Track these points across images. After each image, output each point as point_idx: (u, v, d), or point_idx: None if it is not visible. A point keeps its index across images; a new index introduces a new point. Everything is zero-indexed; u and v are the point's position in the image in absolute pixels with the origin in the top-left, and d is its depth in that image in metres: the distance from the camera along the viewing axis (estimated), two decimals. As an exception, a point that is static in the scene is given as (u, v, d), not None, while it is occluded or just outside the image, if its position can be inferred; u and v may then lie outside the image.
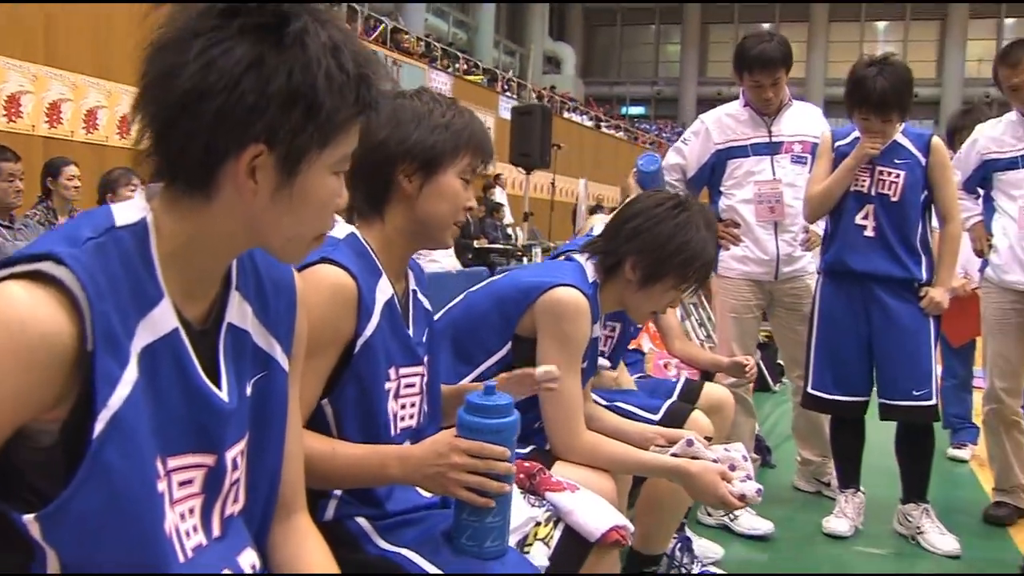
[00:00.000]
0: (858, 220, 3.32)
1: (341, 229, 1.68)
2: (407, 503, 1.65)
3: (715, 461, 2.18)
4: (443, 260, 6.75)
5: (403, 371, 1.67)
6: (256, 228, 1.07)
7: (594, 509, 1.82)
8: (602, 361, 2.77)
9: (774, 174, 3.80)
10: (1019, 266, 3.58)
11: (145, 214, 1.04)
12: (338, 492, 1.60)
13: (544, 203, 12.96)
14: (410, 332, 1.71)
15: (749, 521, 3.49)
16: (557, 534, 1.82)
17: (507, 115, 18.71)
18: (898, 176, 3.28)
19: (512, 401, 1.47)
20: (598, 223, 2.90)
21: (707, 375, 3.73)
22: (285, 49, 0.99)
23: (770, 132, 3.83)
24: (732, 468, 2.19)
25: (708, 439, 2.29)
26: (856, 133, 3.39)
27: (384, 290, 1.64)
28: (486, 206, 12.12)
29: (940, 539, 3.39)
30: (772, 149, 3.82)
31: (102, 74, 9.42)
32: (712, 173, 3.93)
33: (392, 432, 1.66)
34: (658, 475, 2.29)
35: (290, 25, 1.00)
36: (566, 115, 22.35)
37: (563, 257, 2.60)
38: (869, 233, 3.31)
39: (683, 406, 2.69)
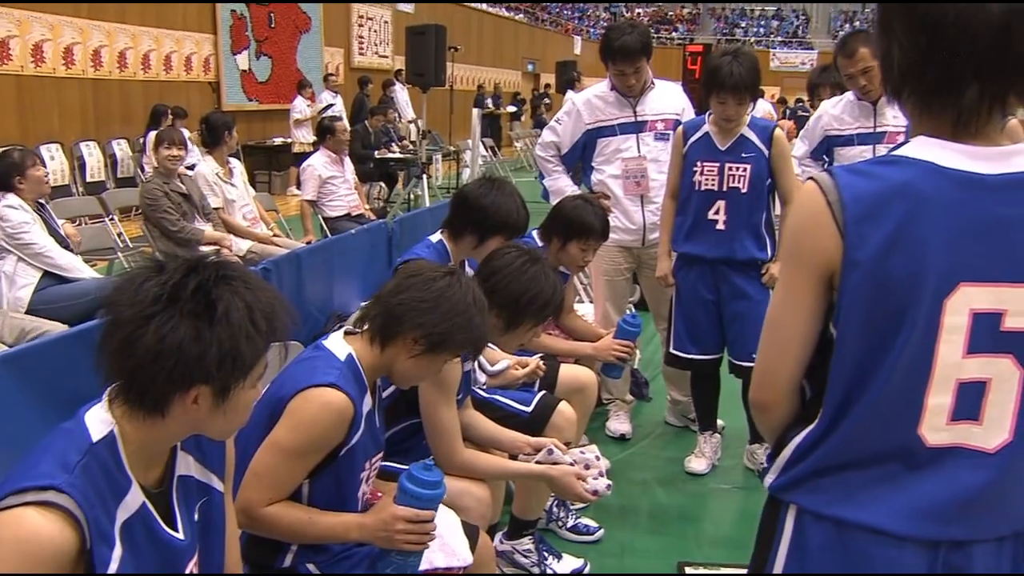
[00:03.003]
0: (710, 216, 3.71)
1: (341, 349, 2.08)
2: (345, 544, 2.12)
3: (573, 463, 2.62)
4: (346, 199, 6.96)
5: (373, 460, 2.16)
6: (198, 427, 1.49)
7: (458, 537, 2.26)
8: (500, 364, 3.19)
9: (639, 151, 4.18)
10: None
11: (112, 427, 1.43)
12: (294, 546, 2.08)
13: (443, 96, 13.00)
14: (378, 423, 2.17)
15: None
16: None
17: (405, 7, 18.45)
18: (745, 170, 3.66)
19: (442, 477, 1.97)
20: None
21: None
22: (215, 324, 1.38)
23: (635, 112, 4.18)
24: (587, 467, 2.64)
25: (568, 444, 2.73)
26: (706, 127, 3.75)
27: (367, 402, 2.08)
28: (383, 112, 12.18)
29: (781, 473, 3.95)
30: (637, 128, 4.18)
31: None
32: (584, 150, 4.29)
33: (358, 509, 2.13)
34: (526, 480, 2.76)
35: (217, 308, 1.39)
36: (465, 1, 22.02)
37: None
38: (721, 226, 3.71)
39: (552, 398, 3.12)
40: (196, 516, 1.58)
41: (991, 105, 1.29)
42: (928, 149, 1.29)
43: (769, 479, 1.46)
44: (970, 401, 1.31)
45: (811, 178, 1.35)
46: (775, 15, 38.75)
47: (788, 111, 17.76)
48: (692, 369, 4.05)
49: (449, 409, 2.50)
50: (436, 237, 3.23)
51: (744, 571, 3.25)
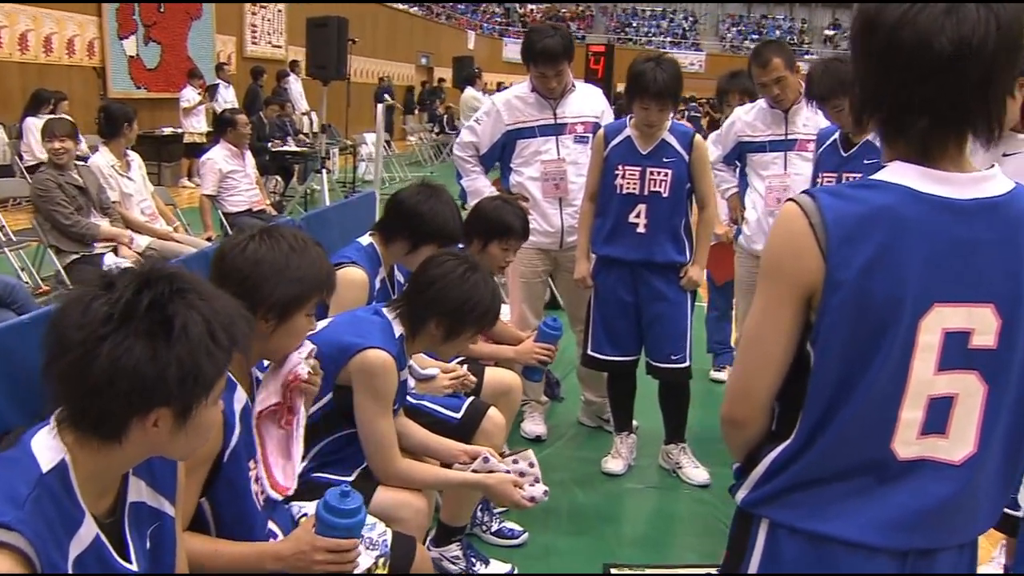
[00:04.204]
0: (631, 219, 3.76)
1: None
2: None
3: (508, 472, 2.61)
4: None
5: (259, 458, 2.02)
6: (158, 450, 1.41)
7: None
8: (430, 371, 3.14)
9: (559, 153, 4.19)
10: (765, 237, 4.14)
11: (63, 455, 1.33)
12: None
13: (340, 89, 12.71)
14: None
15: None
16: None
17: (298, -4, 18.02)
18: (667, 175, 3.71)
19: (361, 502, 1.86)
20: None
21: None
22: (174, 342, 1.30)
23: (555, 114, 4.19)
24: (522, 475, 2.63)
25: (502, 454, 2.72)
26: (627, 131, 3.78)
27: (240, 398, 1.93)
28: (279, 104, 11.91)
29: (694, 472, 4.04)
30: (557, 130, 4.19)
31: None
32: (503, 151, 4.28)
33: (258, 508, 2.00)
34: (463, 489, 2.73)
35: (174, 324, 1.30)
36: (359, -9, 21.69)
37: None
38: (641, 230, 3.76)
39: (481, 403, 3.10)
40: (147, 543, 1.50)
41: (945, 136, 1.33)
42: (904, 174, 1.33)
43: (741, 494, 1.47)
44: (938, 415, 1.36)
45: (792, 200, 1.37)
46: (662, 15, 39.54)
47: (683, 111, 18.13)
48: (610, 371, 4.09)
49: (386, 420, 2.45)
50: (366, 240, 3.16)
51: (667, 571, 3.34)
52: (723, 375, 5.45)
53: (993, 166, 1.37)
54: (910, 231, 1.30)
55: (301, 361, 2.17)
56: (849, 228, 1.31)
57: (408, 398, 3.03)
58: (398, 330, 2.55)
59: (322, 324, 2.62)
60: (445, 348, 2.64)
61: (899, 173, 1.34)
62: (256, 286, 1.93)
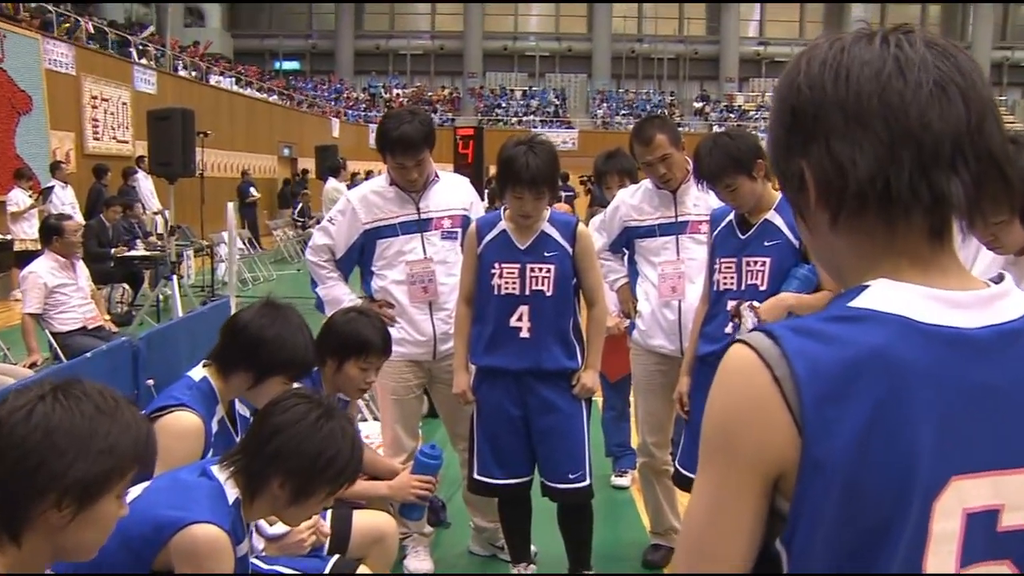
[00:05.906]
0: (513, 322, 3.31)
1: None
2: None
3: None
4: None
5: None
6: None
7: None
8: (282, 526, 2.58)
9: (425, 253, 3.72)
10: (661, 331, 3.75)
11: None
12: None
13: (193, 185, 11.94)
14: None
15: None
16: None
17: (145, 88, 17.29)
18: (549, 271, 3.30)
19: None
20: None
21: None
22: None
23: (418, 209, 3.73)
24: None
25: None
26: (502, 224, 3.36)
27: None
28: (122, 204, 11.09)
29: (606, 606, 3.53)
30: (421, 227, 3.74)
31: None
32: (362, 253, 3.79)
33: None
34: None
35: None
36: (213, 81, 21.01)
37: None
38: (525, 334, 3.32)
39: (349, 562, 2.59)
40: None
41: (943, 230, 0.97)
42: (896, 297, 0.94)
43: None
44: None
45: (743, 342, 0.94)
46: (531, 94, 40.01)
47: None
48: (500, 496, 3.60)
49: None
50: (198, 373, 2.59)
51: None
52: (625, 480, 4.98)
53: (1003, 277, 1.00)
54: (915, 381, 0.90)
55: None
56: (830, 382, 0.90)
57: (257, 562, 2.45)
58: (232, 494, 2.04)
59: (136, 490, 2.04)
60: (292, 513, 2.13)
61: (888, 296, 0.93)
62: (44, 463, 1.42)
